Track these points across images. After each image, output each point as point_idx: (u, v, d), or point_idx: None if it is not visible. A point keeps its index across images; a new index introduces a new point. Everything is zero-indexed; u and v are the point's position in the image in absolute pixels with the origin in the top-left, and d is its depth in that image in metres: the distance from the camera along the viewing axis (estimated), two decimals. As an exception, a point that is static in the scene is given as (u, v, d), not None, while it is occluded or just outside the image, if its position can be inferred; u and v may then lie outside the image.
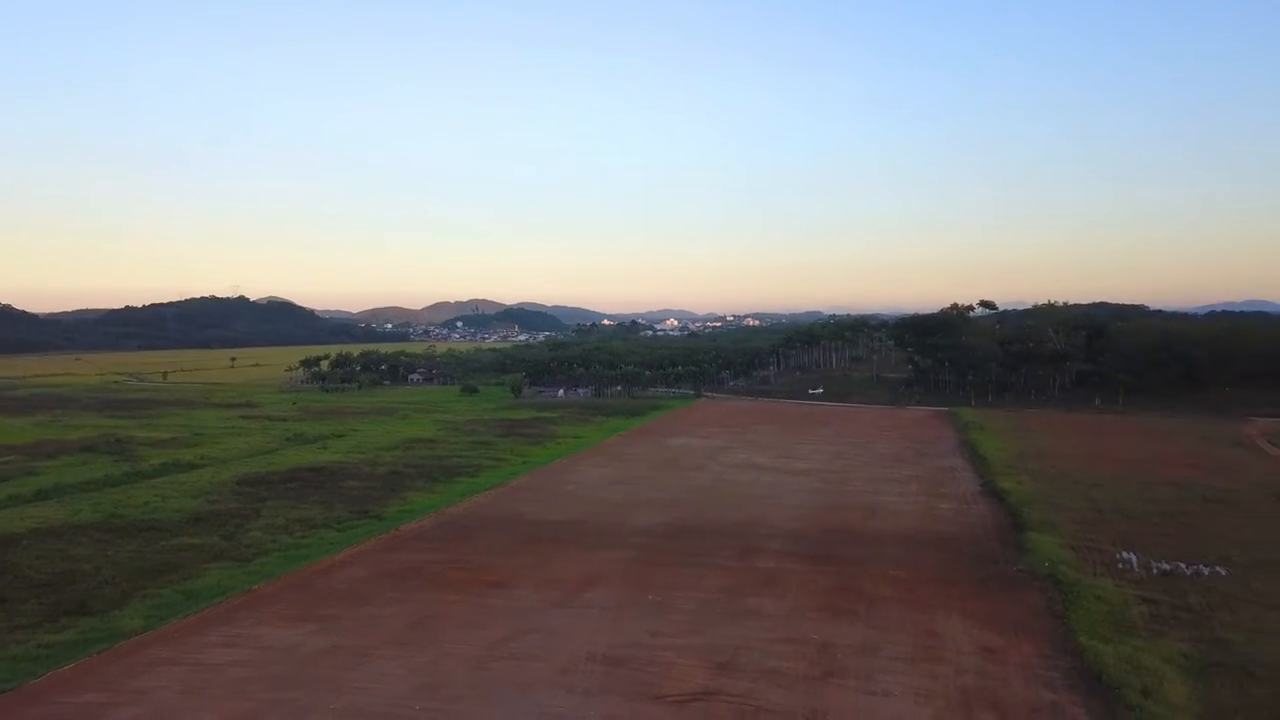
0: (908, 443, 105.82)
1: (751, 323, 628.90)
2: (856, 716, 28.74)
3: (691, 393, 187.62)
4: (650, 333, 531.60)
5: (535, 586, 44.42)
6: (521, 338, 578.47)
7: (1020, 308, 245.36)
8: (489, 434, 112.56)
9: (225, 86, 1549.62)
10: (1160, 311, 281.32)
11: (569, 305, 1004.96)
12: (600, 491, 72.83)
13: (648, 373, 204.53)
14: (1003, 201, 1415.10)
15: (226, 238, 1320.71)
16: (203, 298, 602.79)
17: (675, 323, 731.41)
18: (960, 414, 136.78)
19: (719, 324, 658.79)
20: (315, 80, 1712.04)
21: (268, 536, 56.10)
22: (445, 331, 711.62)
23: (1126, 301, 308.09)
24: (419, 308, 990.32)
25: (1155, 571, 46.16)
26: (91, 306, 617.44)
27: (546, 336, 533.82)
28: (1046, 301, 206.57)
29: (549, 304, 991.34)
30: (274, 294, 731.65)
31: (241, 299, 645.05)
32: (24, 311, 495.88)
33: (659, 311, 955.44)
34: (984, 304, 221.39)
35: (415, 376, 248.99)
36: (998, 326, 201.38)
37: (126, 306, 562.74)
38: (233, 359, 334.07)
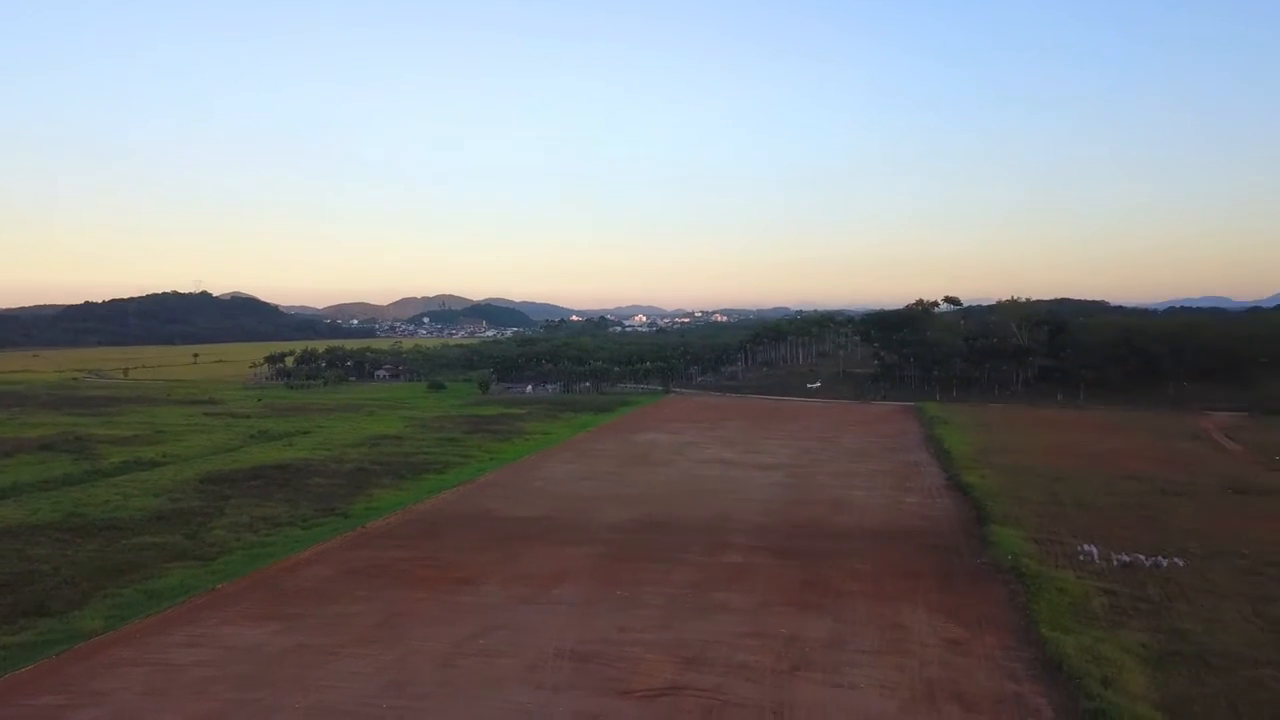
0: (874, 438, 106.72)
1: (719, 319, 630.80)
2: (823, 709, 28.98)
3: (660, 389, 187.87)
4: (619, 329, 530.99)
5: (503, 583, 44.32)
6: (489, 334, 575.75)
7: (984, 304, 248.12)
8: (456, 430, 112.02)
9: (186, 76, 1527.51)
10: (1121, 308, 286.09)
11: (537, 301, 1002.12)
12: (569, 488, 72.77)
13: (616, 369, 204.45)
14: (967, 199, 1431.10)
15: (189, 232, 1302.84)
16: (165, 293, 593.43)
17: (644, 319, 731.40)
18: (925, 409, 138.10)
19: (687, 320, 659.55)
20: (279, 71, 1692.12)
21: (232, 535, 55.47)
22: (412, 327, 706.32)
23: (1088, 298, 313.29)
24: (385, 303, 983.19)
25: (1115, 563, 46.96)
26: (49, 302, 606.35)
27: (514, 332, 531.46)
28: (1010, 298, 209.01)
29: (517, 300, 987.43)
30: (238, 289, 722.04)
31: (204, 294, 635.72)
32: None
33: (628, 308, 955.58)
34: (949, 300, 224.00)
35: (382, 373, 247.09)
36: (962, 322, 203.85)
37: (86, 302, 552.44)
38: (195, 355, 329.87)
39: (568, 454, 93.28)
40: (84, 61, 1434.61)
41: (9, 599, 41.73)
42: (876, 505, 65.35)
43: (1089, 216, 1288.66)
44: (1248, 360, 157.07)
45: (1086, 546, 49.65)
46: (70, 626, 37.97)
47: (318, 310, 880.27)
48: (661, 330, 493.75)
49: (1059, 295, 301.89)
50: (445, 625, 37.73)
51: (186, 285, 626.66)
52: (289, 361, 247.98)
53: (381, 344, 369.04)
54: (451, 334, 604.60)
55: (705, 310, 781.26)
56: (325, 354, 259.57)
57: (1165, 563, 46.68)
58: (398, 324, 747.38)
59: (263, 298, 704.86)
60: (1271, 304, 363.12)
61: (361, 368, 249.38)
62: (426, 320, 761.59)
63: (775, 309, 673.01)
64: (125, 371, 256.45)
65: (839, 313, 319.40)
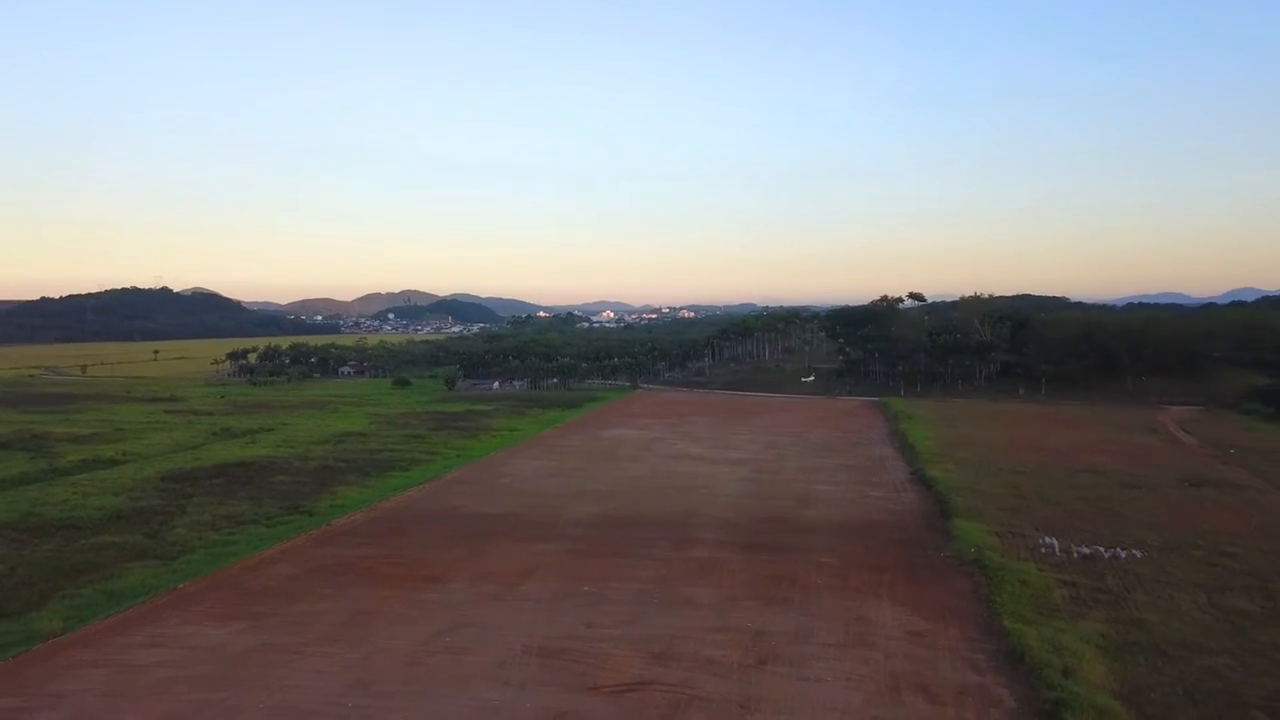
0: (839, 432, 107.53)
1: (687, 315, 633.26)
2: (790, 703, 29.20)
3: (628, 384, 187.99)
4: (587, 324, 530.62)
5: (470, 580, 44.15)
6: (455, 329, 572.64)
7: (948, 299, 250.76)
8: (422, 427, 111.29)
9: (145, 66, 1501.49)
10: (1081, 304, 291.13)
11: (504, 297, 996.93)
12: (536, 484, 72.60)
13: (584, 365, 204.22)
14: (932, 195, 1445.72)
15: (149, 227, 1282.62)
16: (123, 289, 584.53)
17: (611, 314, 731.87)
18: (890, 404, 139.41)
19: (655, 316, 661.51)
20: (241, 62, 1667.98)
21: (194, 534, 54.72)
22: (377, 323, 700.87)
23: (1049, 294, 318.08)
24: (350, 299, 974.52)
25: (1076, 555, 47.72)
26: (3, 298, 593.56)
27: (481, 328, 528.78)
28: (973, 294, 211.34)
29: (483, 295, 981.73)
30: (199, 285, 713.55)
31: (165, 290, 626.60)
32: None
33: (595, 303, 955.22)
34: (913, 296, 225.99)
35: (346, 369, 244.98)
36: (926, 318, 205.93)
37: (42, 298, 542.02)
38: (156, 352, 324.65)
39: (535, 450, 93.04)
40: (36, 50, 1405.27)
41: (-37, 601, 40.89)
42: (842, 499, 65.87)
43: (1050, 214, 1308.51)
44: (1203, 356, 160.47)
45: (1048, 539, 50.41)
46: (28, 628, 37.25)
47: (281, 306, 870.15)
48: (629, 326, 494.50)
49: (1021, 291, 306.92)
50: (411, 623, 37.51)
51: (147, 281, 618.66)
52: (252, 358, 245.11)
53: (346, 340, 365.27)
54: (417, 330, 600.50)
55: (673, 306, 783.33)
56: (289, 350, 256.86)
57: (1124, 555, 47.54)
58: (362, 320, 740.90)
59: (225, 293, 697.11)
60: (1226, 300, 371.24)
61: (326, 364, 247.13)
62: (391, 316, 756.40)
63: (742, 305, 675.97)
64: (84, 369, 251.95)
65: (805, 309, 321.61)
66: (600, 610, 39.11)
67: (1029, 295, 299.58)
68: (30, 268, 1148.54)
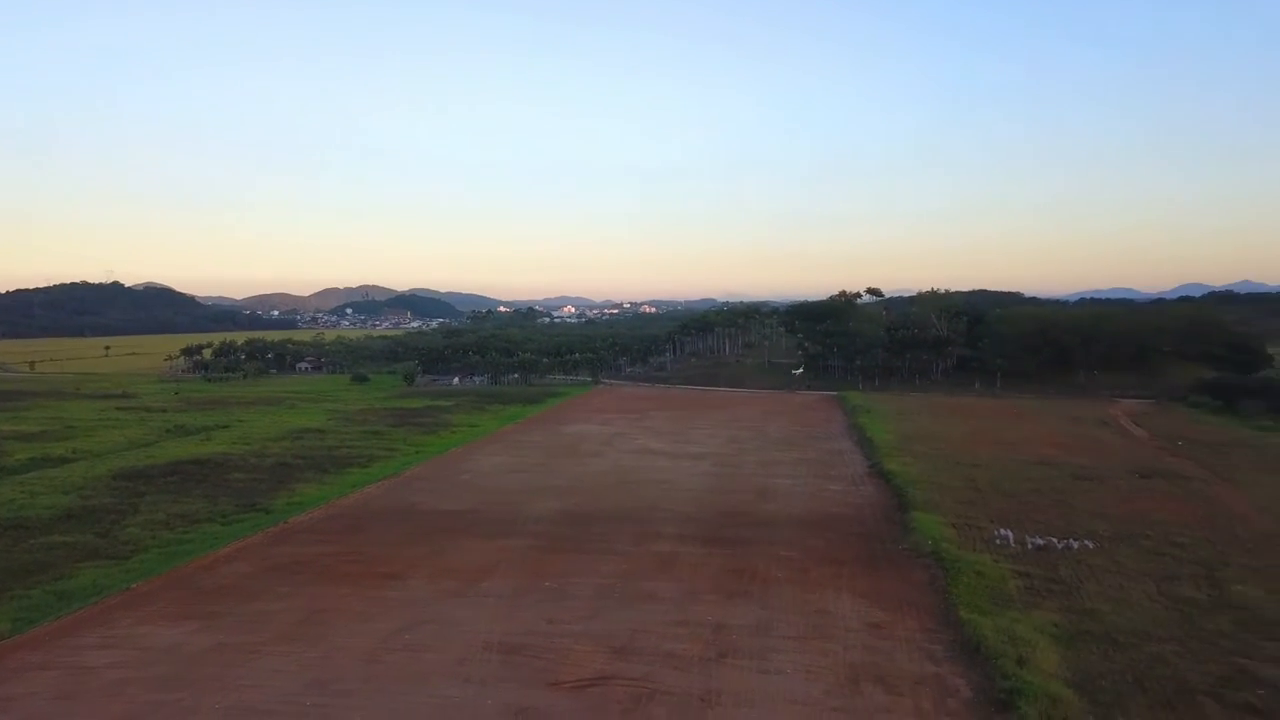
0: (798, 426, 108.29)
1: (648, 310, 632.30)
2: (750, 695, 29.40)
3: (589, 380, 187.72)
4: (548, 320, 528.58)
5: (430, 577, 43.85)
6: (414, 325, 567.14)
7: (906, 295, 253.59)
8: (381, 423, 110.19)
9: (95, 57, 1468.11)
10: (1035, 299, 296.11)
11: (464, 292, 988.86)
12: (497, 480, 72.27)
13: (545, 360, 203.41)
14: (887, 192, 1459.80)
15: (99, 220, 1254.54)
16: (73, 283, 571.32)
17: (573, 310, 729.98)
18: (849, 398, 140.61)
19: (616, 311, 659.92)
20: (188, 51, 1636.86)
21: (147, 533, 53.72)
22: (334, 319, 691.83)
23: (1004, 289, 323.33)
24: (306, 294, 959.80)
25: (1030, 546, 48.54)
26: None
27: (440, 323, 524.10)
28: (930, 289, 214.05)
29: (443, 290, 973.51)
30: (151, 279, 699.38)
31: (116, 285, 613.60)
32: None
33: (556, 298, 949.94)
34: (871, 291, 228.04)
35: (303, 365, 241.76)
36: (884, 313, 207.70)
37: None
38: (107, 348, 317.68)
39: (495, 446, 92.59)
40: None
41: (-94, 603, 39.81)
42: (802, 493, 66.38)
43: (1005, 211, 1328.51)
44: (1153, 350, 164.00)
45: (1003, 531, 51.23)
46: (-27, 631, 36.39)
47: (236, 301, 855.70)
48: (590, 321, 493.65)
49: (977, 287, 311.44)
50: (370, 621, 37.18)
51: (97, 275, 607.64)
52: (206, 354, 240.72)
53: (303, 335, 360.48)
54: (375, 325, 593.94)
55: (634, 301, 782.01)
56: (244, 346, 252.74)
57: (1076, 545, 48.46)
58: (319, 315, 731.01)
59: (178, 288, 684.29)
60: (1174, 296, 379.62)
61: (282, 360, 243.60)
62: (349, 311, 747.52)
63: (703, 300, 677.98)
64: (31, 365, 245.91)
65: (765, 304, 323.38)
66: (561, 606, 39.06)
67: (985, 291, 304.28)
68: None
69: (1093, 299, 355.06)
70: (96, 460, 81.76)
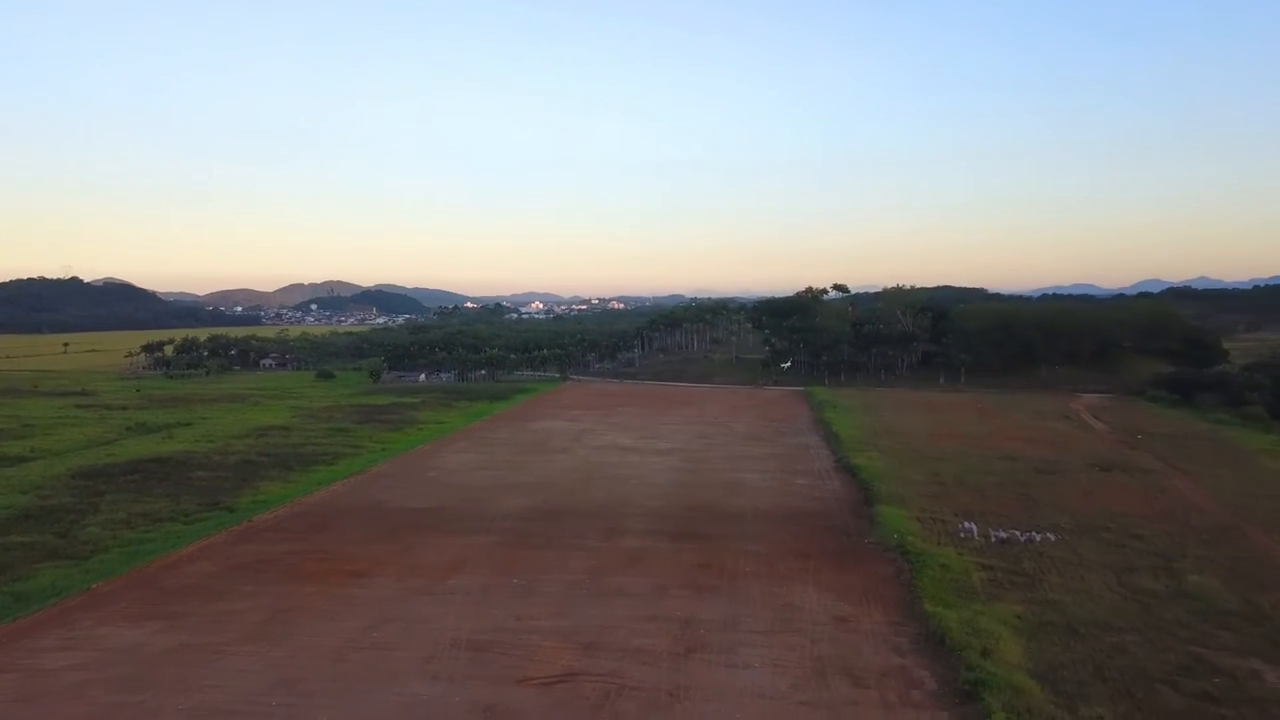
0: (765, 422, 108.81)
1: (616, 306, 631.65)
2: (718, 690, 29.55)
3: (557, 376, 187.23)
4: (515, 316, 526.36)
5: (397, 575, 43.60)
6: (380, 321, 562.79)
7: (871, 290, 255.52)
8: (347, 420, 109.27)
9: (44, 43, 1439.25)
10: (998, 294, 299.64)
11: (430, 287, 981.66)
12: (464, 477, 71.94)
13: (513, 356, 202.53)
14: (855, 188, 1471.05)
15: (57, 215, 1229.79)
16: (30, 279, 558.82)
17: (540, 305, 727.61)
18: (815, 393, 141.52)
19: (584, 307, 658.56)
20: (149, 39, 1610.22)
21: (107, 532, 52.90)
22: (299, 314, 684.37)
23: (968, 285, 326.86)
24: (270, 290, 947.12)
25: (993, 539, 49.22)
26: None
27: (407, 319, 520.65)
28: (896, 285, 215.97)
29: (409, 286, 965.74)
30: (111, 275, 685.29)
31: (75, 280, 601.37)
32: None
33: (524, 294, 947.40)
34: (837, 287, 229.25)
35: (268, 361, 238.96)
36: (850, 309, 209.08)
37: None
38: (65, 344, 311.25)
39: (463, 443, 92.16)
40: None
41: None
42: (769, 487, 66.74)
43: (967, 208, 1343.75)
44: (1113, 345, 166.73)
45: (967, 524, 51.87)
46: (-72, 634, 35.63)
47: (199, 297, 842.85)
48: (559, 317, 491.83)
49: (941, 283, 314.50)
50: (336, 619, 36.93)
51: (55, 271, 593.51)
52: (168, 350, 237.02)
53: (267, 332, 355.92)
54: (341, 321, 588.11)
55: (602, 297, 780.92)
56: (207, 342, 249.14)
57: (1038, 538, 49.21)
58: (284, 311, 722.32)
59: (139, 284, 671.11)
60: (1134, 292, 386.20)
61: (246, 356, 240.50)
62: (314, 307, 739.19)
63: (671, 296, 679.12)
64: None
65: (732, 300, 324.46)
66: (530, 602, 39.02)
67: (949, 286, 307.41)
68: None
69: (1055, 295, 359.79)
70: (55, 459, 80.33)
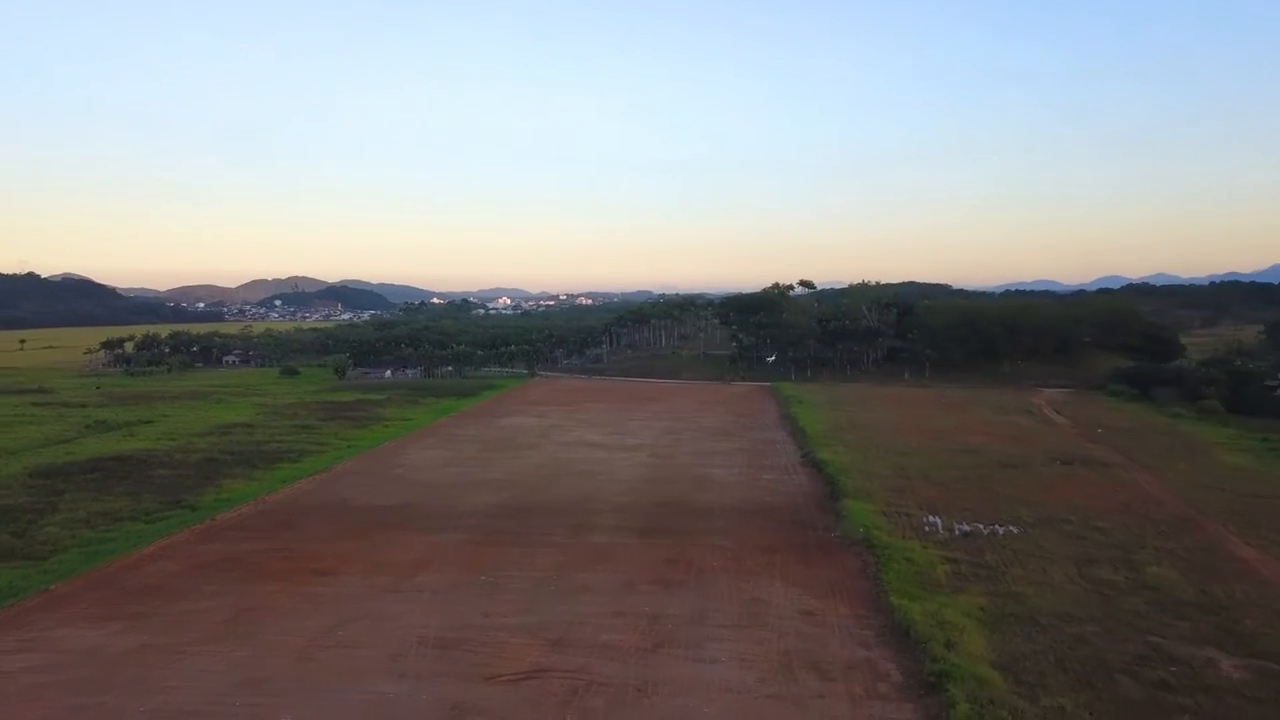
0: (733, 417, 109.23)
1: (584, 302, 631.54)
2: (686, 685, 29.67)
3: (525, 372, 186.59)
4: (483, 311, 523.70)
5: (363, 573, 43.31)
6: (345, 317, 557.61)
7: (837, 287, 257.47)
8: (311, 417, 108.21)
9: (9, 39, 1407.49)
10: (962, 290, 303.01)
11: (396, 283, 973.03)
12: (431, 474, 71.57)
13: (480, 352, 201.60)
14: (821, 185, 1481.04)
15: (12, 208, 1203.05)
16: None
17: (508, 301, 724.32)
18: (781, 389, 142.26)
19: (552, 303, 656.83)
20: (108, 29, 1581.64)
21: (66, 532, 52.01)
22: (263, 310, 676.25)
23: (932, 281, 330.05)
24: (234, 285, 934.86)
25: (957, 533, 49.84)
26: None
27: (372, 315, 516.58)
28: (861, 281, 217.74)
29: (374, 281, 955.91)
30: (69, 270, 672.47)
31: (31, 276, 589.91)
32: None
33: (491, 290, 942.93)
34: (803, 284, 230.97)
35: (231, 358, 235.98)
36: (816, 305, 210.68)
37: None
38: (22, 341, 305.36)
39: (429, 440, 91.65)
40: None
41: None
42: (736, 482, 67.05)
43: (934, 204, 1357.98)
44: (1073, 340, 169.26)
45: (931, 518, 52.48)
46: (-121, 637, 34.81)
47: (160, 293, 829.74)
48: (526, 313, 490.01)
49: (906, 279, 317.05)
50: (302, 618, 36.61)
51: (10, 266, 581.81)
52: (129, 347, 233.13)
53: (230, 328, 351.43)
54: (305, 317, 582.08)
55: (570, 293, 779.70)
56: (169, 339, 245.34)
57: (1001, 531, 49.90)
58: (247, 307, 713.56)
59: (98, 279, 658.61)
60: (1094, 288, 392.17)
61: (209, 353, 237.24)
62: (278, 303, 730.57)
63: (639, 292, 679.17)
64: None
65: (700, 296, 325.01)
66: (497, 599, 38.92)
67: (914, 282, 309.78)
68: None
69: (1017, 291, 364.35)
70: (11, 458, 78.82)
